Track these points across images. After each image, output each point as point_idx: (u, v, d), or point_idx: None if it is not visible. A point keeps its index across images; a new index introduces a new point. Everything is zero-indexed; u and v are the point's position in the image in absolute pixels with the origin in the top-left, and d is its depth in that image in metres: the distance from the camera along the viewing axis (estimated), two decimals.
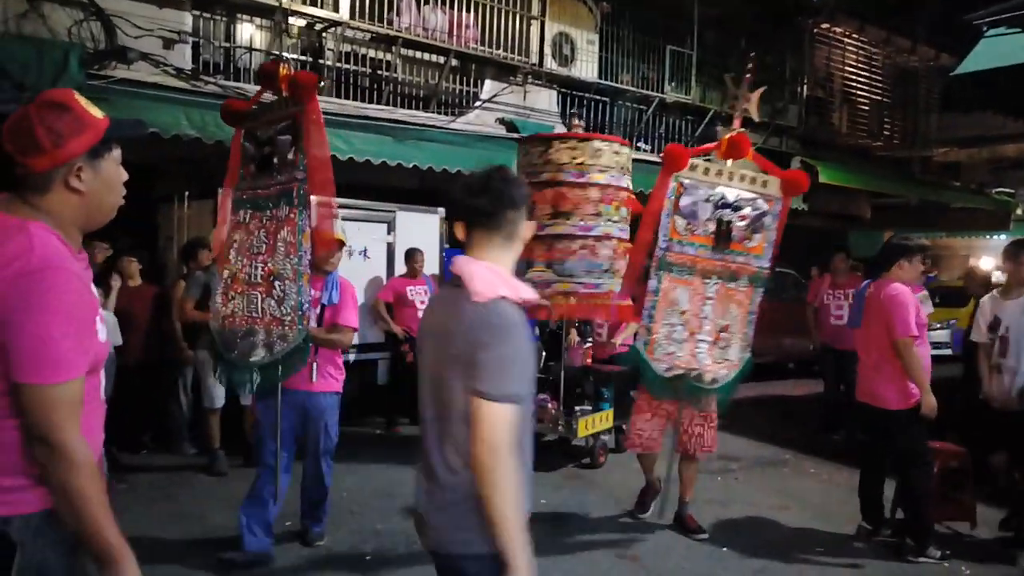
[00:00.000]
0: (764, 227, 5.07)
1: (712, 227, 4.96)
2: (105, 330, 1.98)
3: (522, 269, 5.89)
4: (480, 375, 2.06)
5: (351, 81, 10.01)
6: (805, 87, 15.27)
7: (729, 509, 5.93)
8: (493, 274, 2.17)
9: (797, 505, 6.12)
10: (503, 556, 2.03)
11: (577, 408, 6.91)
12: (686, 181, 4.92)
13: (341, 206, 8.33)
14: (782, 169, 5.37)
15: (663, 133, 13.37)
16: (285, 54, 9.47)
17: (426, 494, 2.23)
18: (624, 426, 6.66)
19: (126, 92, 7.55)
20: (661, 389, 5.03)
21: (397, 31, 9.86)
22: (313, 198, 4.36)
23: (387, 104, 10.02)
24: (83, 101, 1.88)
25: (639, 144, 12.98)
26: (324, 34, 9.66)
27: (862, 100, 16.69)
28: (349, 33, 9.66)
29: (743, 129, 5.12)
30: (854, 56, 16.56)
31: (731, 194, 4.99)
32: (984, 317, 5.64)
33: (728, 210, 4.98)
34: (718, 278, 5.00)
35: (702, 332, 4.98)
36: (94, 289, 1.94)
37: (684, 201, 4.93)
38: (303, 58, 9.61)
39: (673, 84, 13.09)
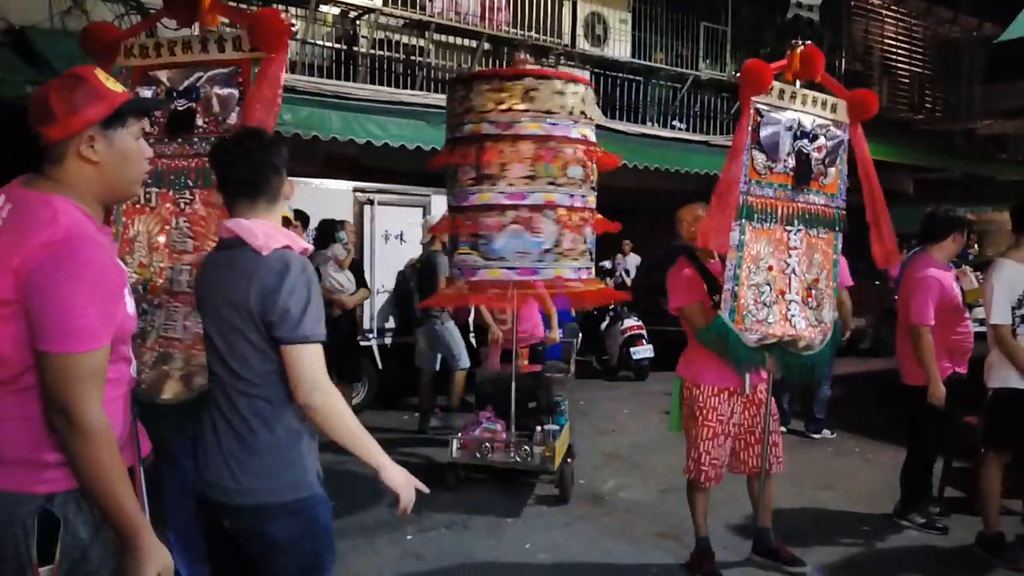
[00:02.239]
0: (838, 160, 4.41)
1: (792, 162, 4.20)
2: (133, 303, 1.99)
3: (448, 249, 5.33)
4: (285, 323, 2.14)
5: (385, 67, 10.04)
6: (843, 60, 15.01)
7: (772, 487, 5.86)
8: (270, 228, 2.26)
9: (841, 484, 6.05)
10: (372, 465, 2.25)
11: (538, 428, 5.70)
12: (763, 107, 4.12)
13: (377, 191, 8.47)
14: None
15: (698, 111, 13.25)
16: (319, 42, 9.55)
17: (217, 449, 2.27)
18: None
19: None
20: (755, 362, 4.14)
21: (430, 16, 9.87)
22: None
23: (420, 89, 10.04)
24: (102, 76, 1.90)
25: (674, 123, 12.88)
26: (358, 21, 9.69)
27: (902, 73, 16.37)
28: (383, 20, 9.69)
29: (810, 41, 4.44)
30: (893, 28, 16.24)
31: (807, 121, 4.27)
32: (1007, 293, 4.41)
33: (805, 140, 4.26)
34: (800, 223, 4.26)
35: (791, 291, 4.21)
36: (120, 263, 1.95)
37: (764, 132, 4.12)
38: (337, 46, 9.66)
39: (708, 61, 12.97)
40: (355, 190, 8.24)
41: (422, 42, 10.18)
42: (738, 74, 12.85)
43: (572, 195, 4.82)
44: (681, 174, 11.50)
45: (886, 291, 12.24)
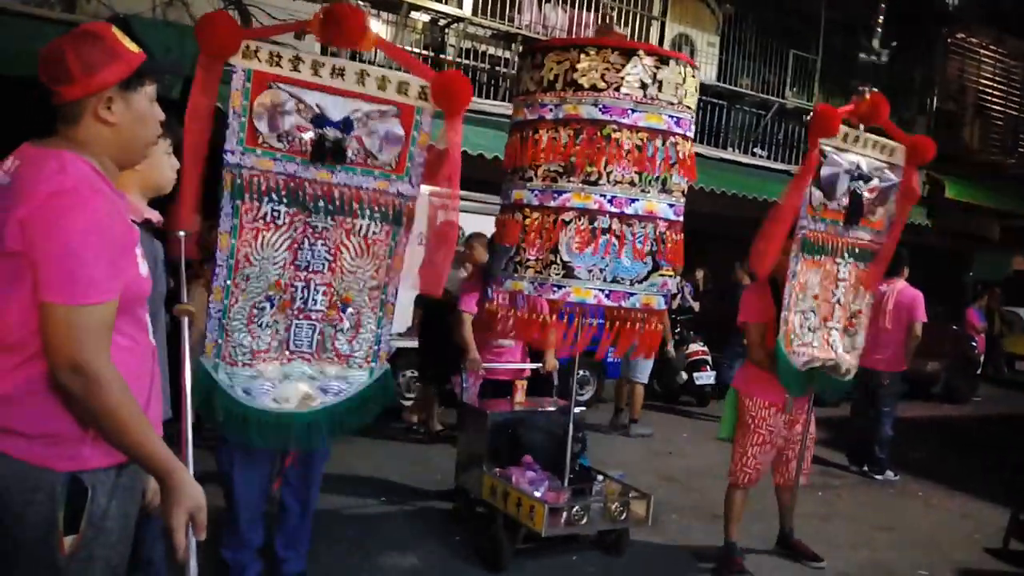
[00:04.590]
0: (887, 200, 4.65)
1: (846, 201, 4.47)
2: (147, 266, 1.94)
3: (499, 258, 4.26)
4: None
5: (470, 76, 10.17)
6: (935, 98, 14.66)
7: (829, 524, 5.77)
8: None
9: (900, 527, 5.90)
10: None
11: (599, 478, 4.79)
12: (828, 149, 4.37)
13: (438, 195, 8.56)
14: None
15: (781, 139, 13.08)
16: (409, 48, 9.73)
17: None
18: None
19: None
20: (801, 386, 4.48)
21: (518, 28, 9.98)
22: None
23: (503, 100, 10.14)
24: (119, 34, 1.84)
25: (755, 150, 12.75)
26: (447, 30, 9.86)
27: (996, 114, 15.90)
28: (471, 29, 9.83)
29: (876, 89, 4.63)
30: (990, 68, 15.79)
31: (864, 164, 4.51)
32: None
33: (861, 182, 4.49)
34: (850, 257, 4.55)
35: (834, 319, 4.52)
36: (132, 223, 1.91)
37: (824, 171, 4.36)
38: (425, 52, 9.83)
39: (795, 89, 12.80)
40: (431, 195, 8.35)
41: (508, 54, 10.29)
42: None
43: (674, 205, 4.09)
44: (759, 202, 11.35)
45: (963, 337, 11.94)
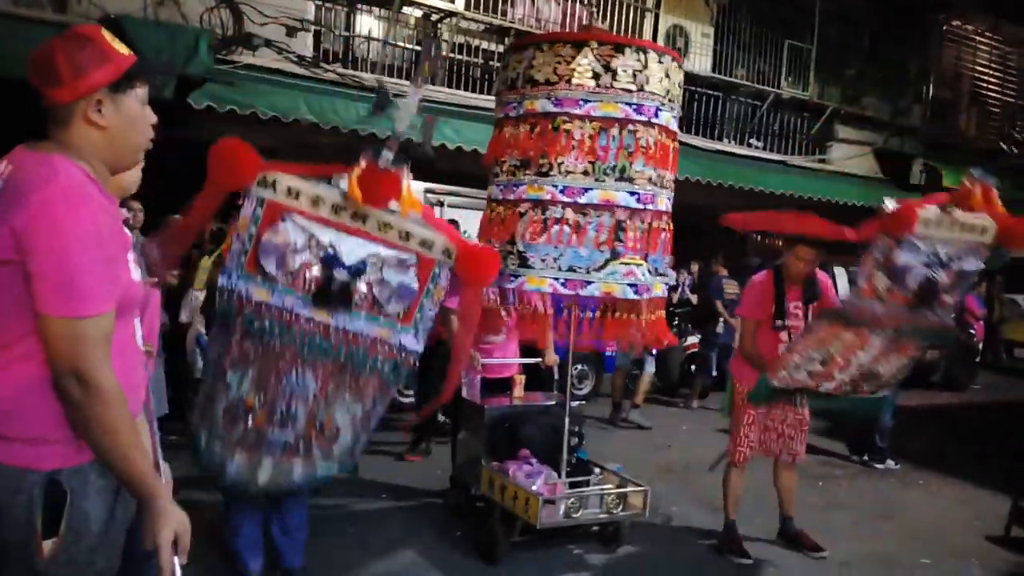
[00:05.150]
0: (958, 286, 4.12)
1: (914, 286, 3.93)
2: (139, 270, 1.93)
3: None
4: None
5: (463, 71, 10.14)
6: (931, 86, 14.62)
7: (830, 514, 5.75)
8: None
9: (901, 516, 5.89)
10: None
11: (597, 470, 4.86)
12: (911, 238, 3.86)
13: (448, 192, 8.58)
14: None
15: (777, 130, 13.05)
16: (401, 43, 9.71)
17: None
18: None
19: (250, 77, 7.88)
20: (764, 399, 4.54)
21: (510, 22, 9.95)
22: None
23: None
24: (108, 36, 1.81)
25: (751, 141, 12.72)
26: (439, 24, 9.82)
27: (993, 101, 15.87)
28: (464, 24, 9.80)
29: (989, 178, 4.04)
30: (986, 55, 15.75)
31: (943, 251, 3.94)
32: None
33: (937, 268, 3.94)
34: (895, 332, 4.04)
35: (844, 371, 4.17)
36: (125, 229, 1.89)
37: (900, 260, 3.85)
38: (418, 48, 9.80)
39: (790, 79, 12.76)
40: (427, 191, 8.37)
41: (501, 48, 10.25)
42: (822, 97, 12.73)
43: (636, 194, 4.03)
44: (755, 193, 11.33)
45: (962, 324, 11.91)
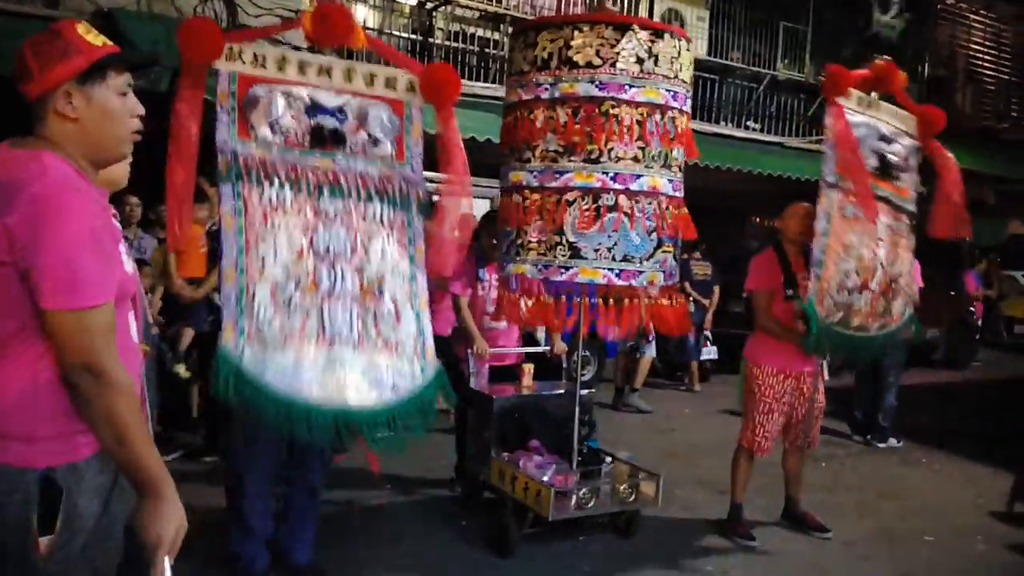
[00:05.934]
0: (910, 168, 4.66)
1: (874, 161, 4.48)
2: (131, 262, 1.93)
3: (501, 241, 4.23)
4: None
5: (459, 60, 10.12)
6: (927, 65, 14.60)
7: (834, 494, 5.78)
8: None
9: (905, 494, 5.92)
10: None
11: (608, 459, 4.73)
12: (845, 110, 4.38)
13: (443, 181, 8.56)
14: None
15: (774, 112, 13.04)
16: (396, 32, 9.69)
17: None
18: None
19: None
20: (819, 345, 4.40)
21: (505, 9, 9.92)
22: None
23: (493, 82, 10.09)
24: (82, 29, 1.80)
25: (748, 123, 12.71)
26: (434, 13, 9.80)
27: (988, 79, 15.86)
28: (458, 12, 9.78)
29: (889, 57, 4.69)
30: (981, 33, 15.73)
31: (883, 127, 4.55)
32: None
33: (883, 143, 4.54)
34: (884, 217, 4.50)
35: (874, 281, 4.43)
36: (115, 223, 1.90)
37: (856, 133, 4.42)
38: (413, 37, 9.78)
39: (786, 61, 12.76)
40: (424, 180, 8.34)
41: (496, 35, 10.24)
42: (820, 77, 12.69)
43: (672, 180, 4.03)
44: (754, 175, 11.33)
45: (961, 300, 11.93)
